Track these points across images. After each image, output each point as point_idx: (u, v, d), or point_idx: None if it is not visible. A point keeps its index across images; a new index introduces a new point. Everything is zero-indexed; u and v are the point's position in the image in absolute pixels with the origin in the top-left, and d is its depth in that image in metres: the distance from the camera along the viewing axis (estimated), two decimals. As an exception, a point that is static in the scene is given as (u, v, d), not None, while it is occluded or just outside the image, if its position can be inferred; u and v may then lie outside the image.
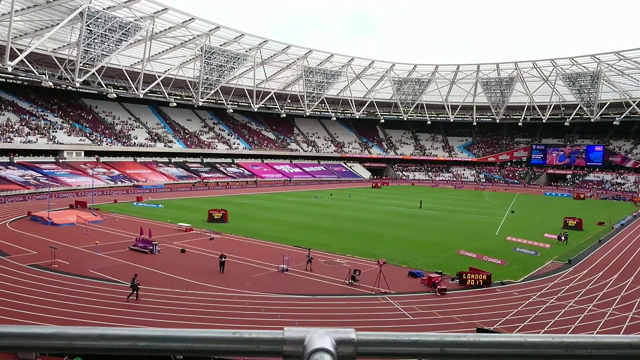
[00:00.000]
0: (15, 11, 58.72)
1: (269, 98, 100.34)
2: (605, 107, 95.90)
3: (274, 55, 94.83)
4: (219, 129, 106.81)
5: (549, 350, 1.16)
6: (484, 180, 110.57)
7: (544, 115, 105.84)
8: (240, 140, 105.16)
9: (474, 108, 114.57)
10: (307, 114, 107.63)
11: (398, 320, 20.56)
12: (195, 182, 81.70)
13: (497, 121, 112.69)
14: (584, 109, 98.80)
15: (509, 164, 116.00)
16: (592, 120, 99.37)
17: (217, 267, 27.22)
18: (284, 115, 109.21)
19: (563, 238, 38.85)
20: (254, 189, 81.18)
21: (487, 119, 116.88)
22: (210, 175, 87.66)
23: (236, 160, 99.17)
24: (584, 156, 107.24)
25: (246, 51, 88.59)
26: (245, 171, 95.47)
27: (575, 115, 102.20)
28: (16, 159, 68.06)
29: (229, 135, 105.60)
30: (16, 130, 71.78)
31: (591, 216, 52.69)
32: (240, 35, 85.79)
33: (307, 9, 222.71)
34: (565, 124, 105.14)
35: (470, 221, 49.53)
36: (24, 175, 64.14)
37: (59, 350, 1.14)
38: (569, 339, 1.17)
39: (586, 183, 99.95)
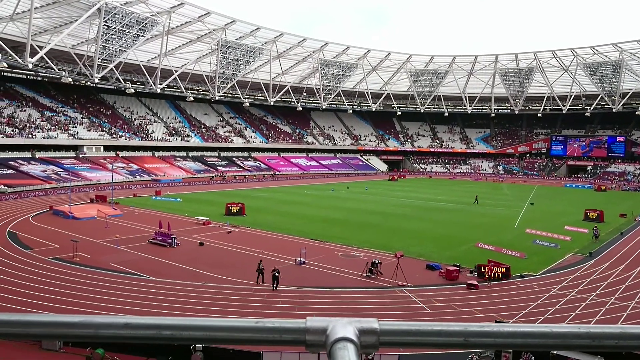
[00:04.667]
0: (35, 8, 59.53)
1: (285, 91, 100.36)
2: (627, 96, 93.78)
3: (290, 48, 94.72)
4: (236, 122, 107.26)
5: (575, 341, 1.15)
6: (503, 172, 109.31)
7: (564, 106, 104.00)
8: (257, 134, 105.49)
9: (492, 99, 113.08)
10: (324, 107, 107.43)
11: (416, 313, 20.53)
12: (213, 176, 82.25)
13: (516, 112, 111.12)
14: (606, 99, 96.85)
15: (528, 155, 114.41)
16: (613, 110, 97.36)
17: (237, 260, 27.36)
18: (300, 108, 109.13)
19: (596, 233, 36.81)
20: (270, 182, 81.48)
21: (506, 110, 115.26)
22: (227, 169, 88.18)
23: (253, 154, 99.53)
24: (605, 147, 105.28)
25: (262, 45, 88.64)
26: (262, 165, 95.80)
27: (596, 105, 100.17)
28: (38, 155, 69.30)
29: (245, 129, 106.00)
30: (37, 126, 73.01)
31: (613, 208, 51.78)
32: (256, 29, 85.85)
33: (322, 2, 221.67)
34: (585, 114, 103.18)
35: (489, 214, 49.05)
36: (46, 170, 65.30)
37: (85, 338, 1.15)
38: (595, 330, 1.14)
39: (607, 174, 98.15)
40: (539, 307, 21.28)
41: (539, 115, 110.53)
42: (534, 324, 1.20)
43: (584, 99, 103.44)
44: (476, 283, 24.11)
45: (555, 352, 15.36)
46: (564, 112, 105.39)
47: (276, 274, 23.01)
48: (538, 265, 28.26)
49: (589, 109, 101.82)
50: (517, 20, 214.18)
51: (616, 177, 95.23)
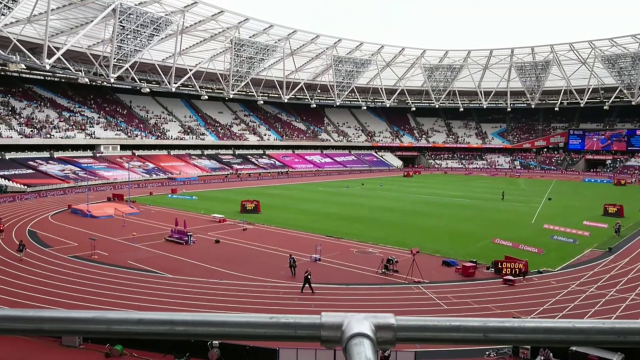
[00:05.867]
0: (52, 10, 60.28)
1: (298, 89, 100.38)
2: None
3: (303, 45, 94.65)
4: (250, 120, 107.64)
5: (598, 337, 1.11)
6: (520, 167, 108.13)
7: (581, 99, 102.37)
8: (271, 132, 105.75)
9: (508, 93, 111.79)
10: (337, 103, 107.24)
11: (432, 309, 20.40)
12: (228, 174, 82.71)
13: (533, 106, 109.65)
14: (625, 91, 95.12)
15: (545, 150, 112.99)
16: (633, 103, 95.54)
17: (253, 257, 27.46)
18: (314, 105, 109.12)
19: (617, 228, 36.04)
20: (285, 179, 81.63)
21: (522, 105, 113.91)
22: (242, 167, 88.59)
23: (267, 152, 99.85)
24: (624, 140, 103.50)
25: (275, 42, 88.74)
26: (277, 162, 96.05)
27: (614, 98, 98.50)
28: (56, 154, 70.34)
29: (259, 126, 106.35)
30: (55, 126, 74.08)
31: (633, 203, 50.87)
32: (269, 27, 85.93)
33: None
34: (604, 107, 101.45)
35: (506, 209, 48.56)
36: (64, 170, 66.25)
37: (98, 334, 1.15)
38: (620, 325, 1.11)
39: (627, 168, 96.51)
40: (558, 303, 21.00)
41: (556, 109, 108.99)
42: (556, 319, 1.17)
43: (602, 92, 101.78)
44: (512, 278, 23.90)
45: (574, 348, 15.14)
46: (581, 105, 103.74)
47: (308, 276, 22.36)
48: (556, 261, 27.89)
49: (608, 102, 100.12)
50: (533, 13, 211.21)
51: (636, 171, 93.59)
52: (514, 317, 18.41)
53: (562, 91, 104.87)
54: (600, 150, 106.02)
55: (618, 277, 24.99)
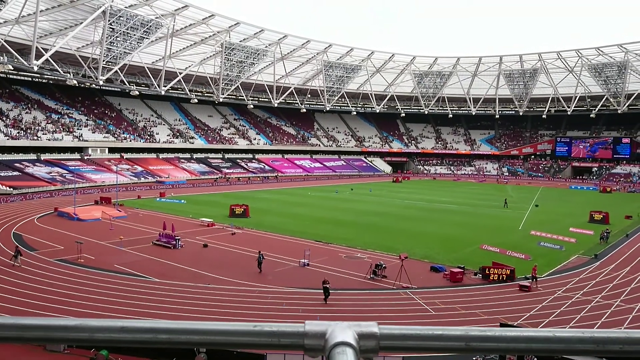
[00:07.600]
0: (40, 11, 59.83)
1: (289, 93, 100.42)
2: (632, 97, 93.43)
3: (294, 50, 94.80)
4: (240, 124, 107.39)
5: (578, 346, 1.13)
6: (507, 173, 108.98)
7: (568, 107, 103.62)
8: (261, 136, 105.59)
9: (497, 100, 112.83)
10: (327, 108, 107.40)
11: (420, 315, 20.46)
12: (217, 178, 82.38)
13: (521, 114, 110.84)
14: (611, 100, 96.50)
15: (533, 157, 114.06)
16: (619, 111, 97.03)
17: (241, 262, 27.33)
18: (304, 110, 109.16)
19: (604, 235, 36.37)
20: (274, 183, 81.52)
21: (510, 112, 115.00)
22: (231, 171, 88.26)
23: (257, 156, 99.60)
24: (610, 148, 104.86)
25: (266, 47, 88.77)
26: (266, 166, 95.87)
27: (601, 106, 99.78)
28: (43, 156, 69.53)
29: (249, 130, 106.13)
30: (42, 128, 73.32)
31: (618, 210, 51.52)
32: (260, 31, 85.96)
33: (326, 3, 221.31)
34: (590, 115, 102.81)
35: (493, 215, 48.91)
36: (51, 172, 65.55)
37: (81, 342, 1.16)
38: (599, 334, 1.13)
39: (613, 176, 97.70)
40: (544, 309, 21.17)
41: (544, 116, 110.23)
42: (537, 329, 1.19)
43: (589, 100, 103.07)
44: (529, 284, 24.04)
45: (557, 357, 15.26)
46: (568, 113, 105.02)
47: (327, 286, 21.59)
48: (543, 267, 28.09)
49: (594, 110, 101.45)
50: (522, 21, 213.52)
51: (621, 179, 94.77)
52: (501, 324, 18.40)
53: (550, 99, 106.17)
54: (586, 157, 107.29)
55: (603, 283, 25.27)
